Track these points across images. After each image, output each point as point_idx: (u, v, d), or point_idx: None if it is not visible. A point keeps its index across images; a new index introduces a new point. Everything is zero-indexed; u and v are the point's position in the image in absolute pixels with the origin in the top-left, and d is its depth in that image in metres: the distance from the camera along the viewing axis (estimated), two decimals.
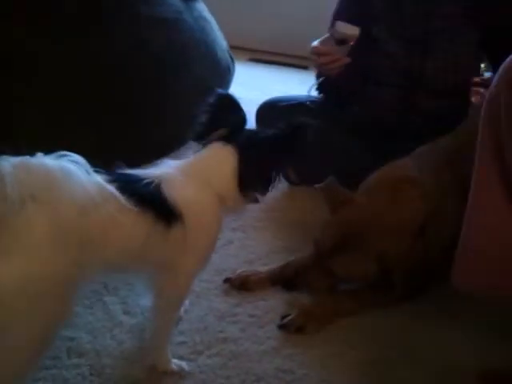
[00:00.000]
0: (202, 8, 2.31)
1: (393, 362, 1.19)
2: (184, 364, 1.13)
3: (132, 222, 0.93)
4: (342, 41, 1.64)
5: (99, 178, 0.91)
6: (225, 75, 2.33)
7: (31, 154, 0.84)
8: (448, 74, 1.77)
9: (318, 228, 1.39)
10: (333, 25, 1.72)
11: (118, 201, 0.90)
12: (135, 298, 1.29)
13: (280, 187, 1.95)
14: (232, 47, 2.54)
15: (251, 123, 1.78)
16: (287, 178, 1.99)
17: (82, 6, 1.77)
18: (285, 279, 1.38)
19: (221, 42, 2.38)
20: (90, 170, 0.90)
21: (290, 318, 1.27)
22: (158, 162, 1.07)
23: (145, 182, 0.98)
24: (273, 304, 1.33)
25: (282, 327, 1.25)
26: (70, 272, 0.85)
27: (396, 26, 1.78)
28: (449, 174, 1.39)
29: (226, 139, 1.07)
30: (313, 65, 1.73)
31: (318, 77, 1.95)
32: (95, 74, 1.74)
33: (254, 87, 2.87)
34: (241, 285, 1.37)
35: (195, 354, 1.16)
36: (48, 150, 0.86)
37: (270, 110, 1.97)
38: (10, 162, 0.79)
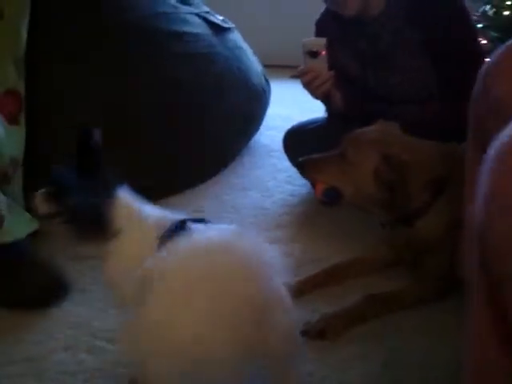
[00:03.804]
0: (237, 37, 2.44)
1: (413, 366, 1.22)
2: None
3: None
4: (313, 53, 1.68)
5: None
6: (260, 98, 2.45)
7: None
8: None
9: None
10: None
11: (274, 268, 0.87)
12: None
13: (308, 202, 2.05)
14: (273, 66, 2.59)
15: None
16: (319, 199, 2.07)
17: (111, 46, 1.89)
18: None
19: (256, 66, 2.51)
20: None
21: (310, 323, 1.35)
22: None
23: None
24: (298, 313, 1.41)
25: (303, 333, 1.33)
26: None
27: None
28: None
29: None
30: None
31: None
32: (128, 110, 1.87)
33: (293, 104, 2.95)
34: None
35: None
36: None
37: (296, 135, 2.04)
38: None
